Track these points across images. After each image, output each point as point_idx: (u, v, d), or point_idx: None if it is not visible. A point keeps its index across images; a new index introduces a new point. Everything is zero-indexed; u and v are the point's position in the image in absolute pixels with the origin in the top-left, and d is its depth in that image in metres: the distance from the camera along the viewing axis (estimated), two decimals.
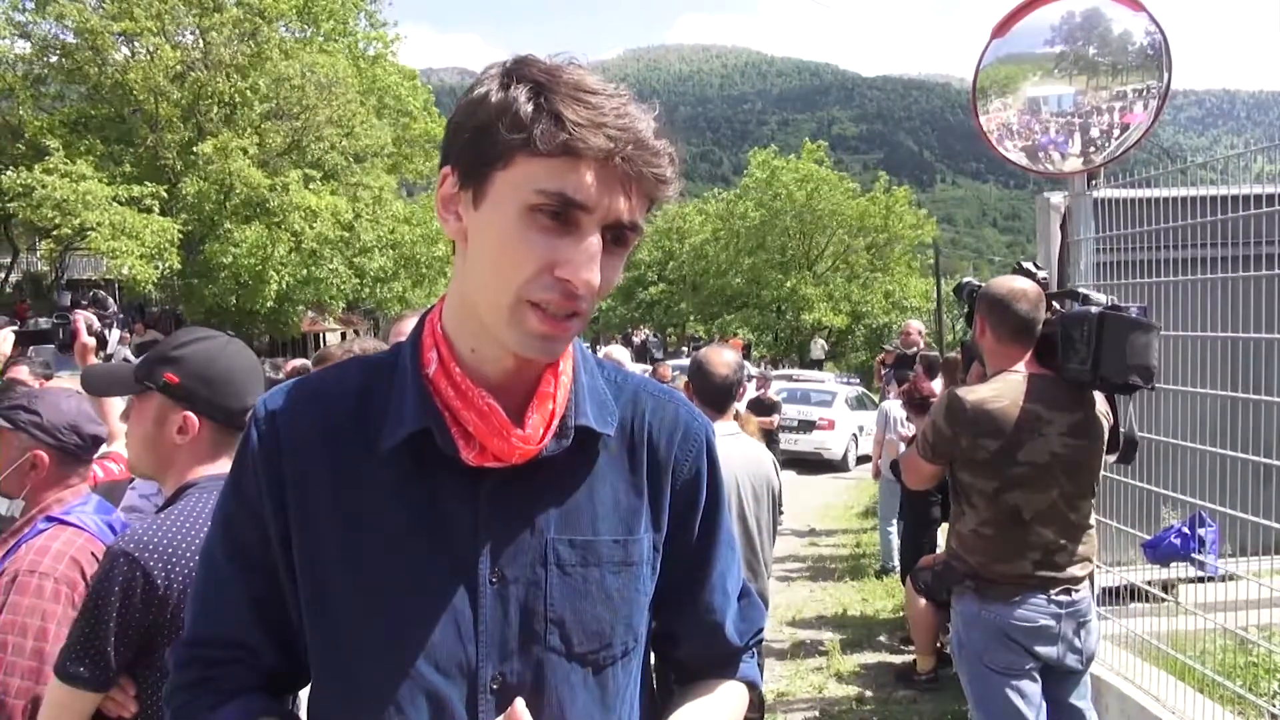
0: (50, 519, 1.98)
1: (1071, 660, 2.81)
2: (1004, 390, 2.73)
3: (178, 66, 21.03)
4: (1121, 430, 3.01)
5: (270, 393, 1.10)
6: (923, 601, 4.68)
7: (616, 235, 0.94)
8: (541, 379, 1.04)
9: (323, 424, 1.04)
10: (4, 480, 2.01)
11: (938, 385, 5.55)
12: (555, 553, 1.03)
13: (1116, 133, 4.15)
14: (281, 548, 1.03)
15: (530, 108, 0.89)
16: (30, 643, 1.79)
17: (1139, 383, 2.74)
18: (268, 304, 21.73)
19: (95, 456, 2.20)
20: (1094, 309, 2.79)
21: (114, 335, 3.31)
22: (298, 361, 7.82)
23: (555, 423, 1.03)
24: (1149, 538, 3.65)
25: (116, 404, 2.94)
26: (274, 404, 1.06)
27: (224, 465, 1.65)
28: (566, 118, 0.88)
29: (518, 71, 0.92)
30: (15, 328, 3.22)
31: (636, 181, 0.92)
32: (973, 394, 2.74)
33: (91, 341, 3.27)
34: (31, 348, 3.92)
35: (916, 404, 6.35)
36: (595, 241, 0.92)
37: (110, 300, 3.66)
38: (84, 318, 3.26)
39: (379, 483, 1.01)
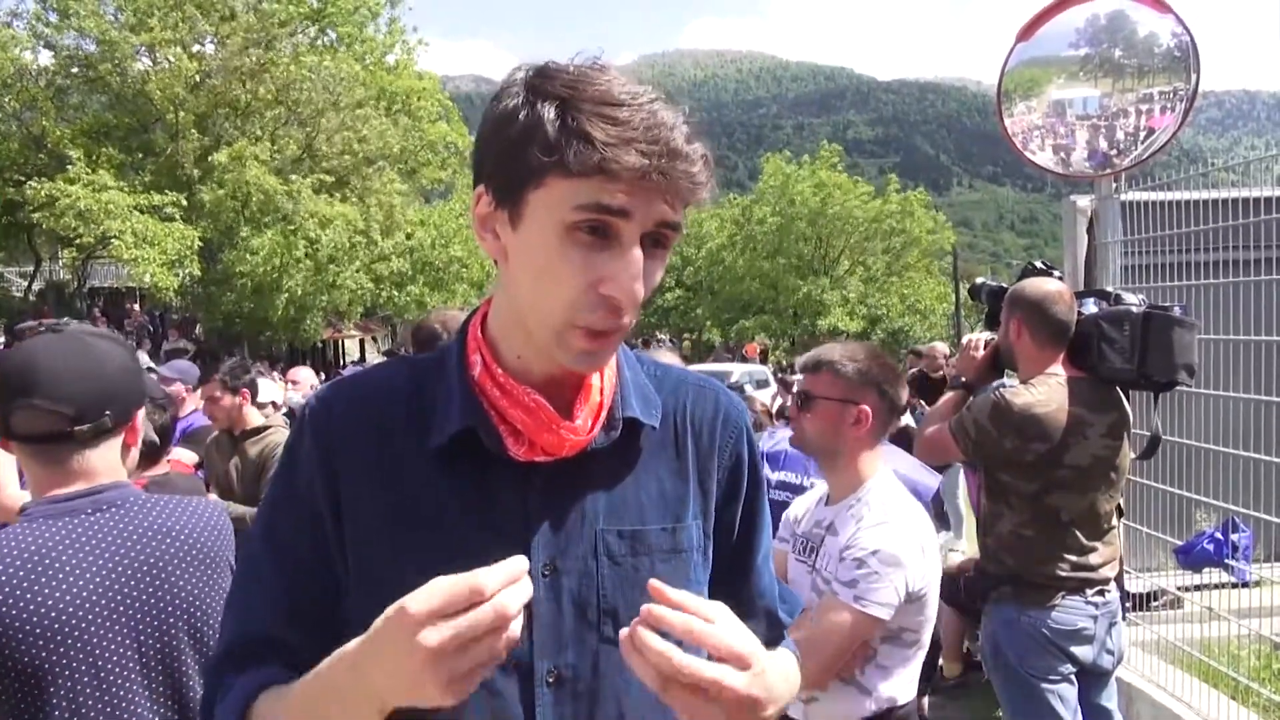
0: None
1: (1105, 661, 2.80)
2: (1050, 395, 2.70)
3: (195, 76, 21.20)
4: (1137, 430, 3.00)
5: (321, 389, 1.11)
6: (947, 606, 4.66)
7: (656, 238, 0.94)
8: (586, 374, 1.05)
9: (374, 421, 1.04)
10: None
11: None
12: (605, 543, 1.03)
13: (1143, 136, 4.13)
14: (335, 543, 1.02)
15: (558, 127, 0.88)
16: None
17: (1185, 380, 2.76)
18: (279, 311, 21.84)
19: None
20: (1134, 308, 2.78)
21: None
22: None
23: (603, 415, 1.04)
24: (1180, 543, 3.63)
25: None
26: (326, 399, 1.07)
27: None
28: (596, 138, 0.87)
29: (541, 86, 0.91)
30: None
31: (672, 191, 0.91)
32: (1020, 398, 2.69)
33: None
34: None
35: (929, 387, 6.24)
36: (637, 255, 0.92)
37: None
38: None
39: (429, 480, 1.01)
